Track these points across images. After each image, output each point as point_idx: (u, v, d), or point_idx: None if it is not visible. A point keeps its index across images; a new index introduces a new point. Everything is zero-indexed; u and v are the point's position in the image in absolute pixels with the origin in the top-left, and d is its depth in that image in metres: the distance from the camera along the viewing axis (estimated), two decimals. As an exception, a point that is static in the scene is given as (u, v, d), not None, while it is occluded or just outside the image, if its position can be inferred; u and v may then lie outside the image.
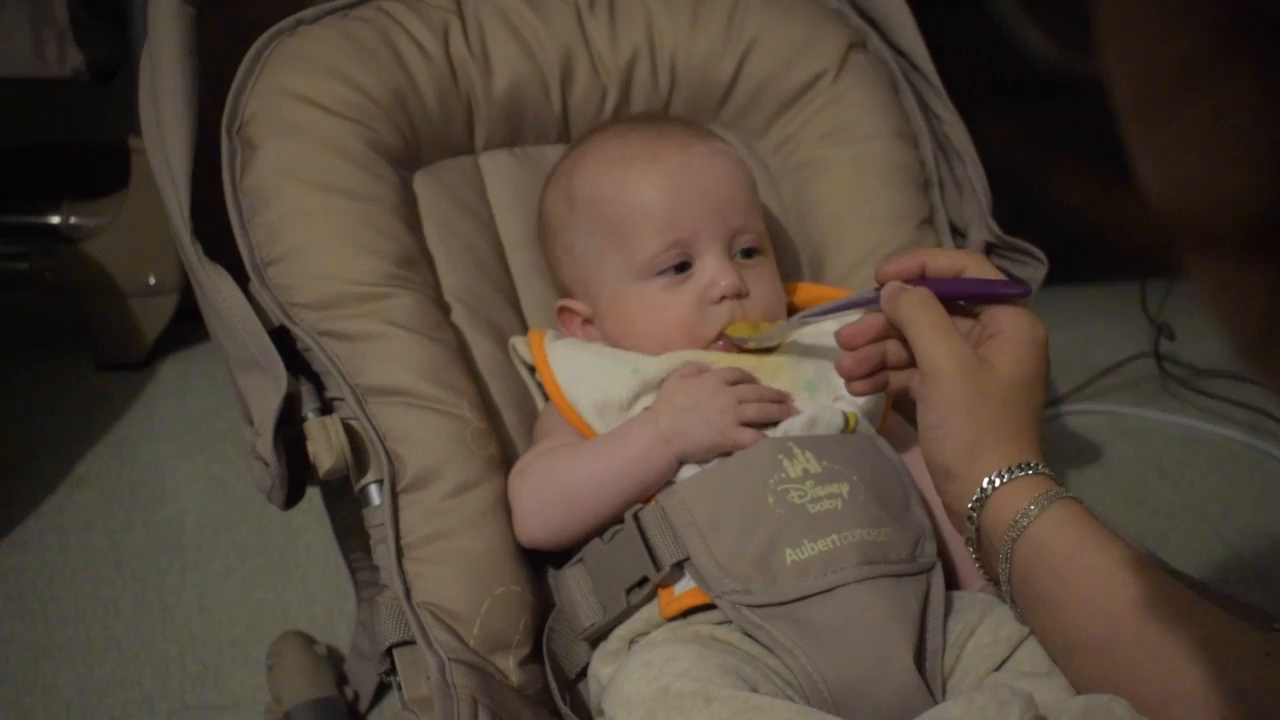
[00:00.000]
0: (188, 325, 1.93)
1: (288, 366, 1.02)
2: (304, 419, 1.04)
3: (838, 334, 1.01)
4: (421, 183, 1.16)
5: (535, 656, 1.03)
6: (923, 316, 0.95)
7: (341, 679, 1.37)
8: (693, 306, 1.09)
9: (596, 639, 1.02)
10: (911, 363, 0.97)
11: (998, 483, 0.92)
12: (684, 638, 0.96)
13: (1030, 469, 0.93)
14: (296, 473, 1.04)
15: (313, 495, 1.12)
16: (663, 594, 0.99)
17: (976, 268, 1.01)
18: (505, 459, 1.09)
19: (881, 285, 1.00)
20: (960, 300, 1.00)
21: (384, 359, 1.05)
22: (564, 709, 1.00)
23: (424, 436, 1.04)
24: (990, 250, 1.22)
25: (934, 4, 1.29)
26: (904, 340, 0.98)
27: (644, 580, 0.99)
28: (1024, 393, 0.95)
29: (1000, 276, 1.01)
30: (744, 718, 0.85)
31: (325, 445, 1.02)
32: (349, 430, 1.03)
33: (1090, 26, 0.41)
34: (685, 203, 1.09)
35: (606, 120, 1.24)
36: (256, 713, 1.40)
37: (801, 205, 1.26)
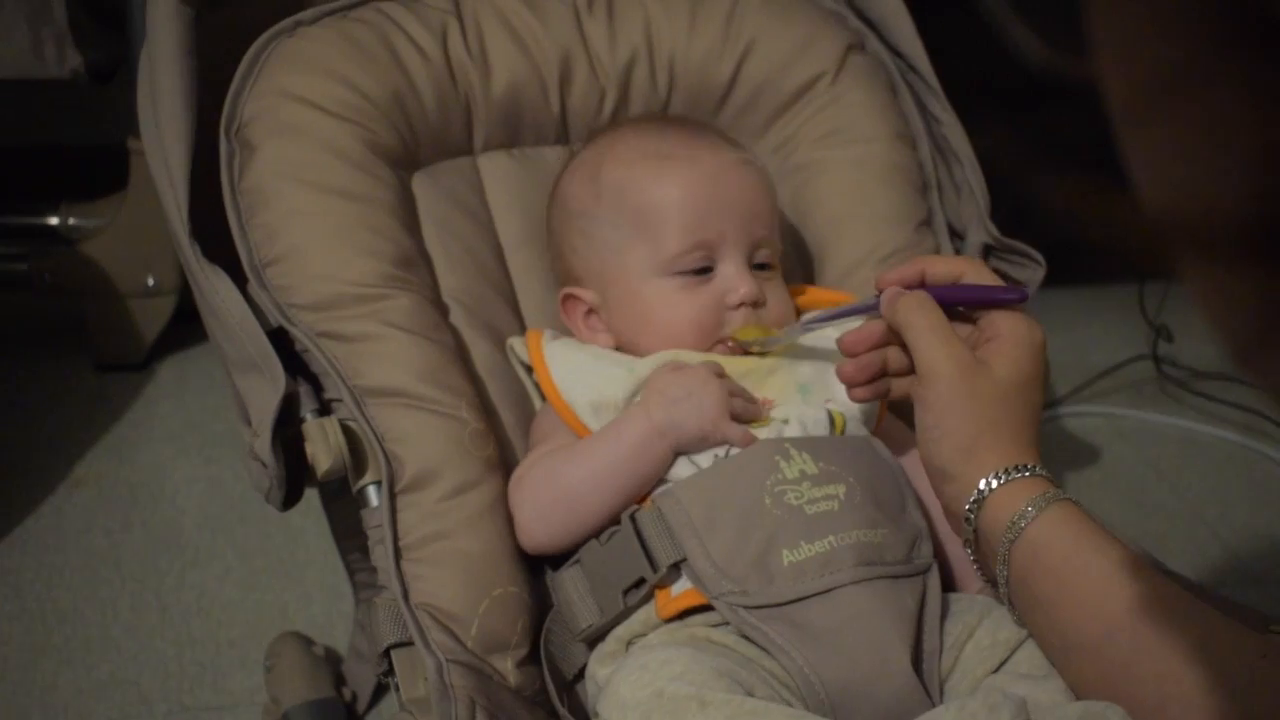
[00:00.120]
0: (186, 326, 1.93)
1: (286, 368, 1.02)
2: (302, 420, 1.04)
3: (839, 340, 1.02)
4: (420, 184, 1.16)
5: (533, 658, 1.03)
6: (921, 319, 0.96)
7: (339, 680, 1.37)
8: (710, 309, 1.09)
9: (594, 640, 1.02)
10: (912, 369, 0.98)
11: (995, 484, 0.93)
12: (680, 640, 0.96)
13: (1027, 470, 0.93)
14: (295, 474, 1.04)
15: (311, 496, 1.13)
16: (660, 595, 0.99)
17: (974, 274, 1.02)
18: (503, 460, 1.09)
19: (881, 291, 1.01)
20: (959, 306, 1.01)
21: (382, 360, 1.05)
22: (561, 710, 1.01)
23: (422, 438, 1.04)
24: (988, 252, 1.22)
25: (927, 7, 1.29)
26: (904, 347, 0.98)
27: (641, 581, 0.99)
28: (1021, 395, 0.96)
29: (999, 283, 1.01)
30: None
31: (323, 446, 1.02)
32: (347, 431, 1.03)
33: (1083, 29, 0.41)
34: (715, 207, 1.10)
35: (605, 121, 1.25)
36: (255, 713, 1.40)
37: (800, 206, 1.26)
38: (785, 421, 1.05)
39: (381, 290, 1.07)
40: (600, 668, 1.00)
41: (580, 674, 1.04)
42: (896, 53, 1.30)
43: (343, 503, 1.18)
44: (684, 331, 1.09)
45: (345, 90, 1.12)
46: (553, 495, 1.04)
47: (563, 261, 1.16)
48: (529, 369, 1.13)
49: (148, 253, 1.94)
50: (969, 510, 0.94)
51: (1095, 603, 0.88)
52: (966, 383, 0.94)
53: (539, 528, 1.04)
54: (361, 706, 1.36)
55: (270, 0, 1.17)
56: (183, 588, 1.58)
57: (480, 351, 1.13)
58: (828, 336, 1.11)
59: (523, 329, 1.18)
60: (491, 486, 1.06)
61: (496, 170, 1.22)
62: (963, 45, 1.33)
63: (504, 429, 1.12)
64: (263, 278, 1.07)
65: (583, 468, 1.03)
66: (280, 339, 1.05)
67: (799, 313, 1.14)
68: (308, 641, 1.40)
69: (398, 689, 1.00)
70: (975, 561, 0.97)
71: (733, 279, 1.10)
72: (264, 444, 1.01)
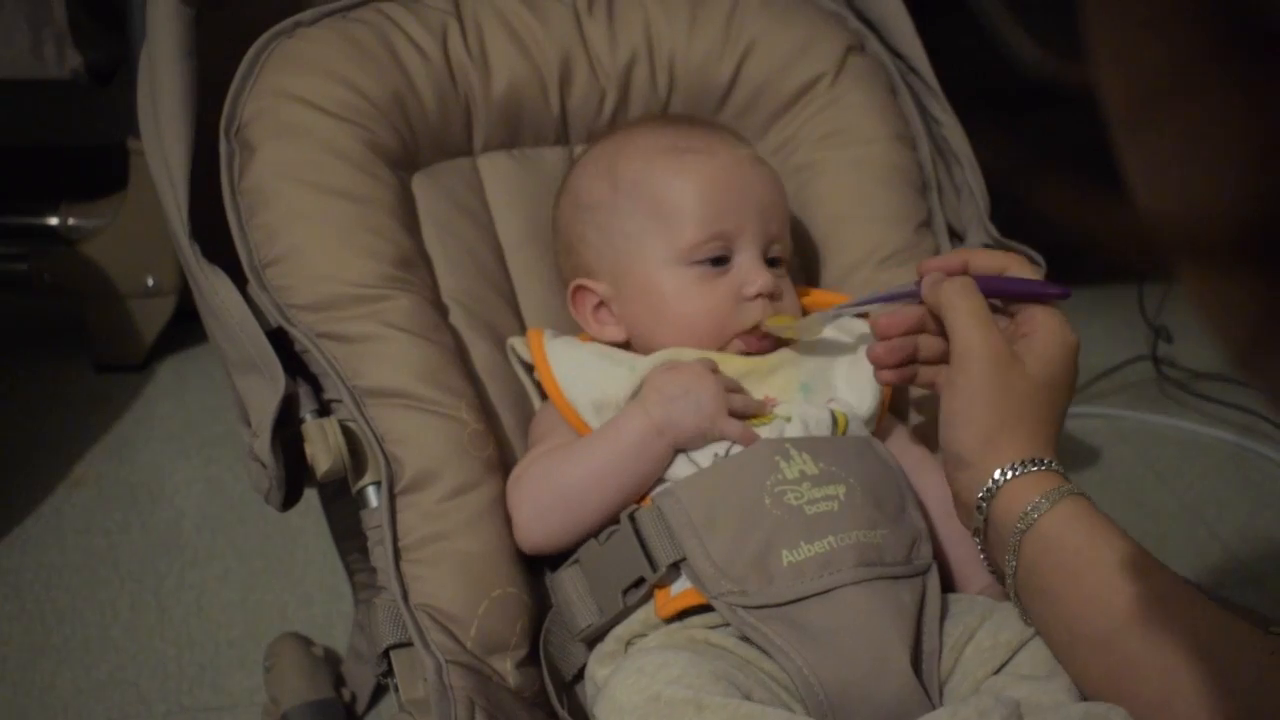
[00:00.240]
0: (186, 327, 1.93)
1: (285, 368, 1.02)
2: (302, 421, 1.04)
3: (873, 322, 1.04)
4: (420, 184, 1.16)
5: (532, 658, 1.03)
6: (963, 302, 0.98)
7: (339, 680, 1.37)
8: (728, 299, 1.10)
9: (593, 640, 1.02)
10: (942, 358, 0.99)
11: (1010, 475, 0.94)
12: (678, 643, 0.96)
13: (1043, 464, 0.94)
14: (294, 474, 1.04)
15: (310, 497, 1.13)
16: (659, 595, 0.99)
17: (1018, 268, 1.04)
18: (503, 461, 1.09)
19: (921, 279, 1.03)
20: (1000, 298, 1.02)
21: (382, 361, 1.05)
22: (561, 711, 1.01)
23: (422, 438, 1.04)
24: (988, 253, 1.22)
25: (923, 12, 1.29)
26: (939, 333, 1.00)
27: (640, 581, 0.99)
28: (1049, 394, 0.97)
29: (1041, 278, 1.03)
30: None
31: (323, 447, 1.02)
32: (347, 432, 1.03)
33: (1079, 34, 0.41)
34: (733, 199, 1.10)
35: (605, 122, 1.25)
36: (254, 714, 1.40)
37: (800, 207, 1.26)
38: (788, 419, 1.05)
39: (381, 291, 1.07)
40: (599, 668, 1.00)
41: (580, 674, 1.04)
42: (896, 54, 1.30)
43: (342, 503, 1.18)
44: (699, 322, 1.09)
45: (345, 91, 1.12)
46: (551, 495, 1.04)
47: (573, 255, 1.16)
48: (529, 368, 1.13)
49: (147, 253, 1.94)
50: (981, 499, 0.94)
51: (1104, 597, 0.89)
52: (999, 373, 0.95)
53: (537, 527, 1.04)
54: (361, 707, 1.37)
55: (270, 1, 1.17)
56: (182, 588, 1.58)
57: (480, 352, 1.13)
58: (831, 337, 1.12)
59: (523, 330, 1.18)
60: (491, 487, 1.06)
61: (496, 171, 1.22)
62: (959, 50, 1.33)
63: (503, 430, 1.12)
64: (262, 278, 1.07)
65: (581, 467, 1.03)
66: (280, 339, 1.05)
67: (805, 313, 1.14)
68: (307, 642, 1.41)
69: (397, 690, 1.00)
70: (982, 552, 0.97)
71: (749, 271, 1.10)
72: (263, 444, 1.01)
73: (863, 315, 1.16)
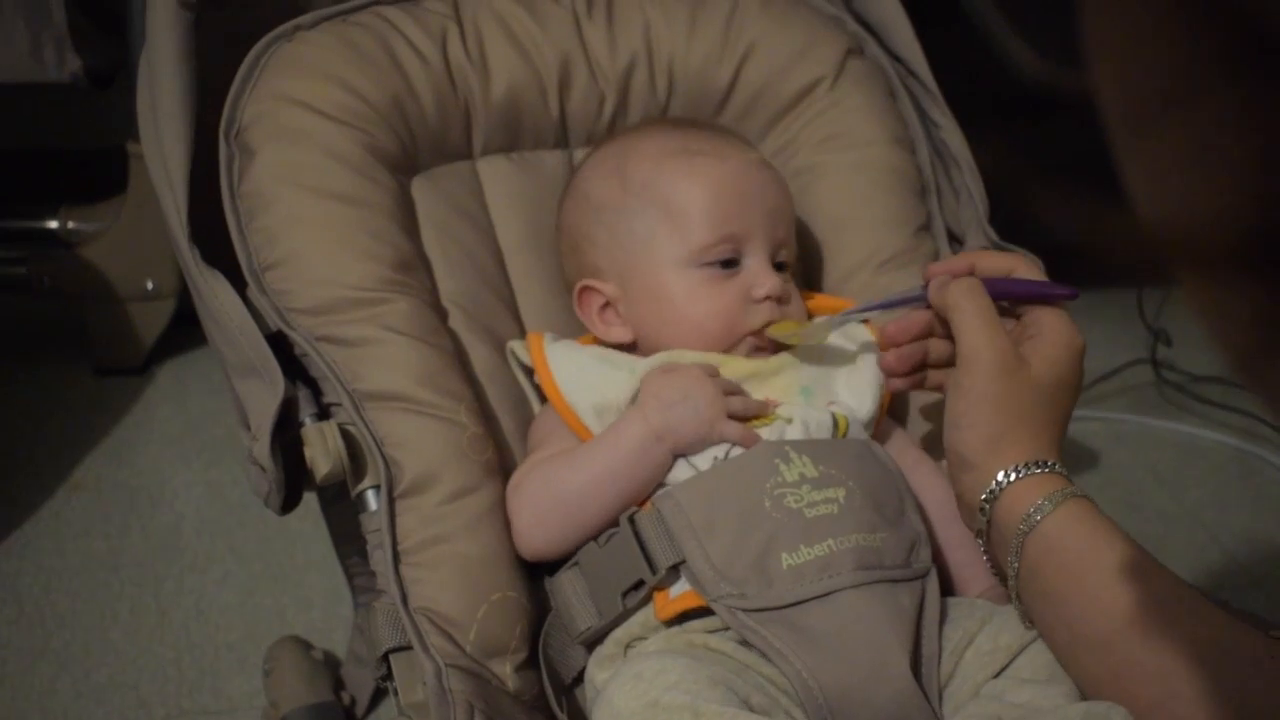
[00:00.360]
0: (185, 330, 1.93)
1: (285, 372, 1.02)
2: (301, 424, 1.04)
3: (882, 330, 1.04)
4: (419, 188, 1.16)
5: (531, 662, 1.03)
6: (970, 303, 0.98)
7: (338, 684, 1.37)
8: (737, 301, 1.10)
9: (592, 643, 1.02)
10: (950, 362, 0.99)
11: (1013, 476, 0.94)
12: (677, 648, 0.96)
13: (1046, 467, 0.94)
14: (294, 478, 1.04)
15: (310, 500, 1.13)
16: (658, 597, 0.99)
17: (1025, 270, 1.04)
18: (502, 464, 1.09)
19: (928, 283, 1.03)
20: (1007, 300, 1.02)
21: (381, 364, 1.05)
22: (560, 714, 1.01)
23: (421, 442, 1.04)
24: (987, 256, 1.22)
25: (922, 18, 1.29)
26: (946, 337, 1.00)
27: (640, 583, 0.99)
28: (1054, 397, 0.97)
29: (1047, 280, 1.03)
30: None
31: (322, 450, 1.02)
32: (346, 435, 1.03)
33: (1078, 41, 0.41)
34: (743, 202, 1.11)
35: (605, 125, 1.25)
36: (253, 717, 1.40)
37: (799, 210, 1.26)
38: (789, 421, 1.05)
39: (380, 294, 1.07)
40: (599, 671, 1.00)
41: (579, 678, 1.04)
42: (895, 57, 1.30)
43: (341, 507, 1.18)
44: (708, 323, 1.10)
45: (344, 94, 1.12)
46: (550, 501, 1.04)
47: (579, 256, 1.16)
48: (529, 372, 1.13)
49: (147, 257, 1.94)
50: (985, 501, 0.94)
51: (1105, 599, 0.89)
52: (1005, 375, 0.95)
53: (537, 533, 1.04)
54: (360, 711, 1.37)
55: (269, 4, 1.17)
56: (181, 592, 1.58)
57: (479, 355, 1.13)
58: (832, 340, 1.12)
59: (522, 333, 1.18)
60: (490, 491, 1.06)
61: (496, 174, 1.22)
62: (958, 57, 1.33)
63: (503, 433, 1.12)
64: (262, 282, 1.07)
65: (581, 474, 1.03)
66: (279, 343, 1.05)
67: (810, 317, 1.15)
68: (306, 646, 1.41)
69: (396, 693, 1.00)
70: (985, 553, 0.97)
71: (758, 274, 1.10)
72: (263, 448, 1.01)
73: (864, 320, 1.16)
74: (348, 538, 1.22)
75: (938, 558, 1.04)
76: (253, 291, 1.07)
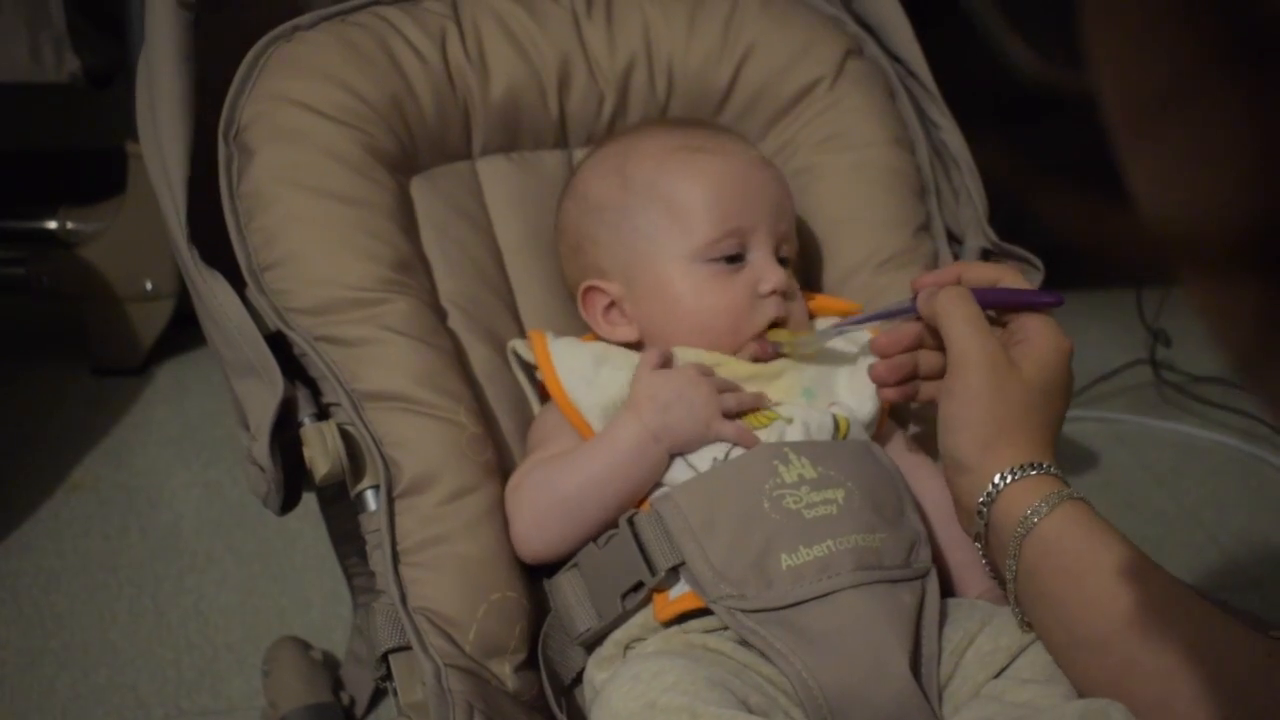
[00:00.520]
0: (184, 331, 1.93)
1: (284, 372, 1.02)
2: (300, 424, 1.04)
3: (872, 341, 1.05)
4: (418, 188, 1.16)
5: (531, 662, 1.03)
6: (958, 309, 0.99)
7: (337, 684, 1.37)
8: (744, 296, 1.10)
9: (592, 644, 1.02)
10: (941, 373, 1.00)
11: (1009, 479, 0.94)
12: (675, 648, 0.96)
13: (1042, 469, 0.94)
14: (292, 478, 1.04)
15: (309, 501, 1.13)
16: (657, 599, 0.99)
17: (1011, 280, 1.05)
18: (501, 464, 1.09)
19: (916, 294, 1.04)
20: (994, 309, 1.03)
21: (380, 364, 1.05)
22: (559, 715, 1.00)
23: (420, 442, 1.04)
24: (986, 257, 1.22)
25: (919, 20, 1.29)
26: (937, 348, 1.01)
27: (639, 585, 0.99)
28: (1046, 399, 0.98)
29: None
30: None
31: (321, 450, 1.02)
32: (345, 435, 1.03)
33: (1078, 41, 0.41)
34: (747, 198, 1.11)
35: (604, 125, 1.25)
36: (252, 718, 1.40)
37: (798, 210, 1.26)
38: (790, 421, 1.05)
39: (380, 294, 1.07)
40: (598, 672, 1.00)
41: (578, 678, 1.04)
42: (895, 57, 1.30)
43: (340, 507, 1.18)
44: (716, 319, 1.10)
45: (343, 94, 1.12)
46: (549, 504, 1.04)
47: (582, 256, 1.16)
48: (530, 370, 1.13)
49: (146, 257, 1.94)
50: (981, 504, 0.95)
51: (1104, 600, 0.89)
52: (995, 377, 0.96)
53: (536, 535, 1.04)
54: (359, 711, 1.36)
55: (268, 4, 1.17)
56: (180, 592, 1.58)
57: (479, 356, 1.13)
58: (835, 343, 1.12)
59: (522, 333, 1.18)
60: (490, 491, 1.05)
61: (495, 174, 1.22)
62: (957, 57, 1.33)
63: (502, 433, 1.12)
64: (261, 282, 1.07)
65: (578, 475, 1.03)
66: (278, 343, 1.05)
67: (811, 316, 1.15)
68: (305, 646, 1.40)
69: (395, 694, 1.00)
70: (984, 556, 0.97)
71: (764, 268, 1.11)
72: (262, 448, 1.01)
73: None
74: (347, 538, 1.22)
75: (938, 559, 1.04)
76: (251, 291, 1.07)
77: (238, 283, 1.06)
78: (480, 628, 1.00)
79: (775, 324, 1.11)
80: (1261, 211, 0.37)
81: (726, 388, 1.06)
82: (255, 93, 1.11)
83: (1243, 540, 1.73)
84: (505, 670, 1.01)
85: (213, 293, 1.04)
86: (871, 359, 1.11)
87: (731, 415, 1.05)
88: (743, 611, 0.95)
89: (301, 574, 1.60)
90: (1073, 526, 0.91)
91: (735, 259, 1.11)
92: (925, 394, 1.05)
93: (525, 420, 1.14)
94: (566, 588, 1.03)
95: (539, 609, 1.05)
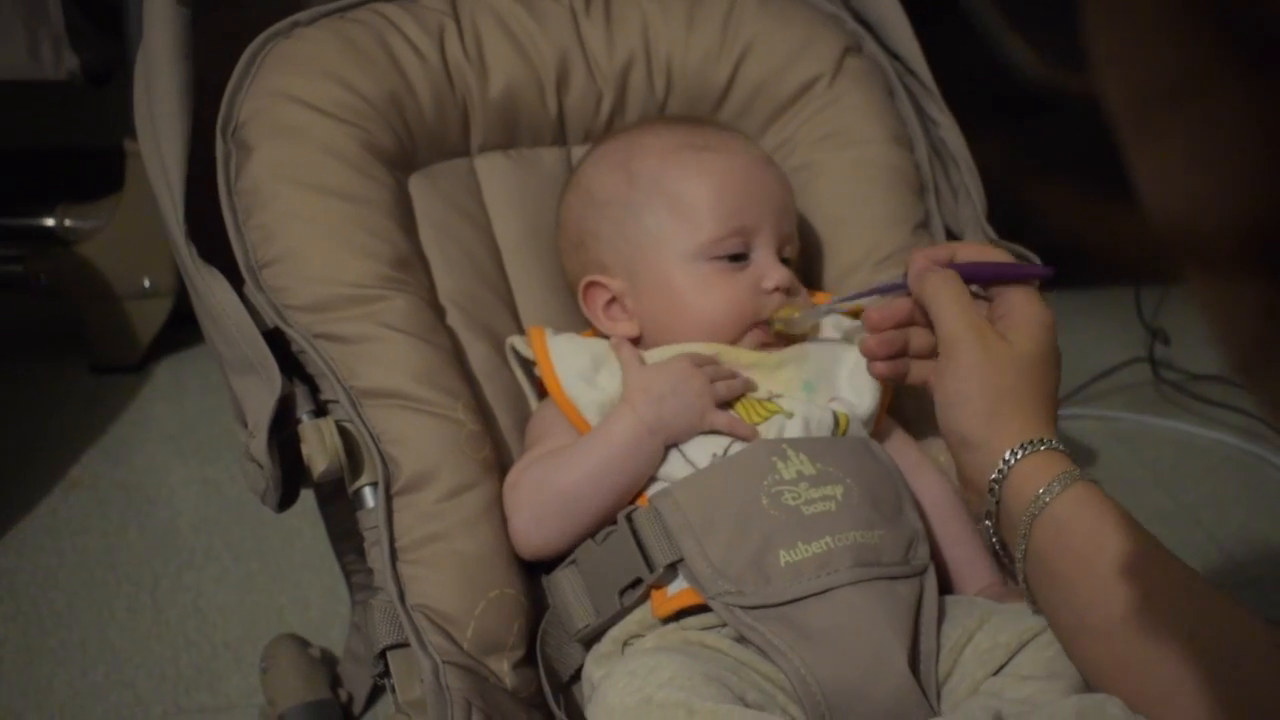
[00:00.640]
0: (183, 328, 1.93)
1: (282, 369, 1.02)
2: (298, 421, 1.04)
3: (864, 315, 1.05)
4: (417, 185, 1.16)
5: (529, 659, 1.03)
6: (945, 292, 0.99)
7: (335, 682, 1.37)
8: (747, 292, 1.10)
9: (590, 641, 1.02)
10: (933, 353, 1.00)
11: (1020, 455, 0.94)
12: (672, 644, 0.96)
13: (1048, 444, 0.94)
14: (291, 475, 1.04)
15: (307, 498, 1.12)
16: (655, 595, 0.99)
17: (1002, 259, 1.05)
18: (500, 462, 1.09)
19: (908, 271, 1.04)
20: (986, 281, 1.03)
21: (378, 362, 1.05)
22: (557, 712, 1.01)
23: (418, 439, 1.04)
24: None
25: (918, 18, 1.29)
26: (928, 325, 1.01)
27: (637, 581, 0.99)
28: (1039, 370, 0.98)
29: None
30: None
31: (319, 448, 1.02)
32: (343, 433, 1.03)
33: (1081, 41, 0.41)
34: (751, 197, 1.12)
35: (603, 123, 1.25)
36: (250, 715, 1.40)
37: (797, 208, 1.26)
38: (790, 416, 1.06)
39: (378, 292, 1.07)
40: (596, 668, 1.00)
41: (576, 675, 1.04)
42: (894, 55, 1.30)
43: (339, 504, 1.18)
44: (720, 316, 1.10)
45: (342, 91, 1.11)
46: (547, 499, 1.04)
47: (583, 252, 1.16)
48: (528, 366, 1.13)
49: (144, 254, 1.94)
50: (993, 481, 0.94)
51: (1113, 585, 0.89)
52: (987, 350, 0.96)
53: (535, 531, 1.04)
54: (357, 708, 1.36)
55: (267, 1, 1.17)
56: (179, 590, 1.58)
57: (477, 353, 1.13)
58: (836, 337, 1.13)
59: (520, 330, 1.18)
60: (488, 488, 1.05)
61: (494, 172, 1.22)
62: (956, 55, 1.33)
63: (500, 430, 1.12)
64: (259, 279, 1.07)
65: (576, 471, 1.03)
66: (276, 340, 1.05)
67: None
68: (304, 643, 1.40)
69: (394, 691, 1.00)
70: (994, 536, 0.97)
71: (767, 266, 1.11)
72: (260, 445, 1.01)
73: (858, 317, 1.16)
74: (345, 535, 1.22)
75: (936, 556, 1.04)
76: (250, 289, 1.07)
77: (236, 280, 1.06)
78: (478, 625, 1.00)
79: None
80: (1265, 210, 0.37)
81: (718, 376, 1.06)
82: (253, 89, 1.11)
83: (1241, 539, 1.73)
84: (503, 667, 1.01)
85: (211, 290, 1.04)
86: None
87: (724, 403, 1.05)
88: (741, 608, 0.95)
89: (300, 571, 1.60)
90: (1084, 509, 0.91)
91: (739, 257, 1.11)
92: (916, 375, 1.04)
93: (523, 417, 1.14)
94: (565, 584, 1.03)
95: (537, 606, 1.05)
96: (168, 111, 1.05)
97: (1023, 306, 1.00)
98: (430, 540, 1.02)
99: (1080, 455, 1.85)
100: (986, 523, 0.97)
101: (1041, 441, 0.94)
